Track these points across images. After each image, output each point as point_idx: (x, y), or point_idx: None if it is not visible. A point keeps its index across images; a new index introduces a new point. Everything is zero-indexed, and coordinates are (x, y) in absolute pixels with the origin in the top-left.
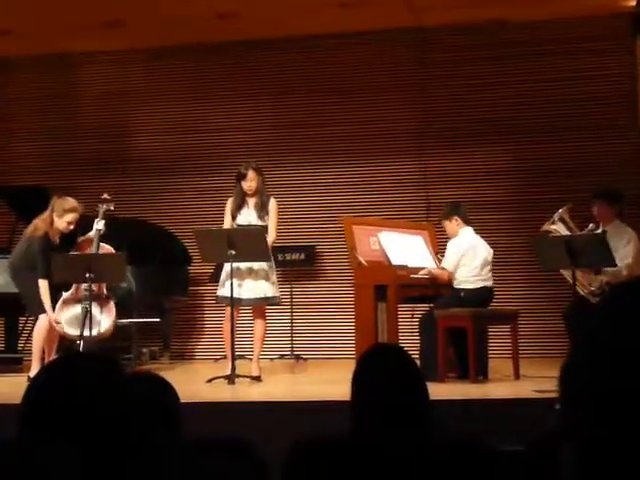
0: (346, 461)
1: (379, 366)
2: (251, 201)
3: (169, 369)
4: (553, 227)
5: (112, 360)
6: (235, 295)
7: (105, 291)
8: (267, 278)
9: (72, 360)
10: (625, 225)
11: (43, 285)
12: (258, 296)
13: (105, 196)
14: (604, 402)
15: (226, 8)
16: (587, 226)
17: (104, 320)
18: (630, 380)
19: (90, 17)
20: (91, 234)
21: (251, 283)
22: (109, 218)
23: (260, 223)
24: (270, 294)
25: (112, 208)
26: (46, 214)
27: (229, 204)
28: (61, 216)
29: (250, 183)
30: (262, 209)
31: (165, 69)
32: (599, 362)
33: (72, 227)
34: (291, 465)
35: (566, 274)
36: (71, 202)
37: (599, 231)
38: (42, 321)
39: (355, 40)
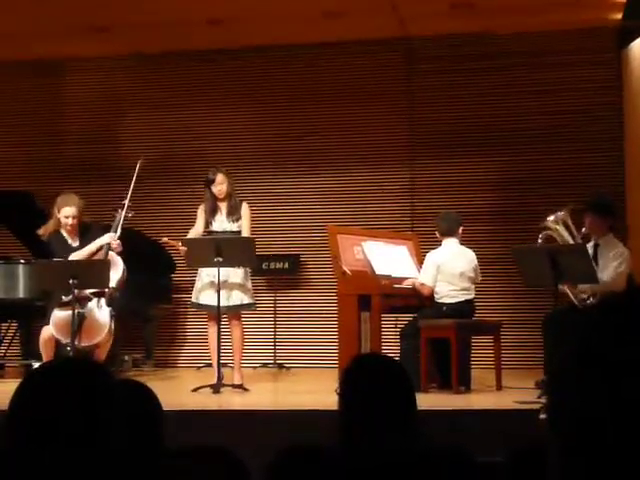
0: (332, 470)
1: (368, 374)
2: (223, 206)
3: (152, 377)
4: (555, 226)
5: (101, 366)
6: (210, 303)
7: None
8: (241, 286)
9: (60, 365)
10: (618, 242)
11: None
12: (234, 303)
13: (125, 202)
14: (593, 414)
15: (213, 15)
16: (581, 230)
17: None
18: (621, 393)
19: (76, 22)
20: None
21: (225, 292)
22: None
23: (234, 229)
24: (246, 301)
25: (130, 215)
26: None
27: (201, 210)
28: (58, 212)
29: (220, 187)
30: (234, 213)
31: (150, 75)
32: (589, 373)
33: (71, 222)
34: (276, 473)
35: None
36: (65, 197)
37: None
38: (42, 331)
39: (342, 49)
